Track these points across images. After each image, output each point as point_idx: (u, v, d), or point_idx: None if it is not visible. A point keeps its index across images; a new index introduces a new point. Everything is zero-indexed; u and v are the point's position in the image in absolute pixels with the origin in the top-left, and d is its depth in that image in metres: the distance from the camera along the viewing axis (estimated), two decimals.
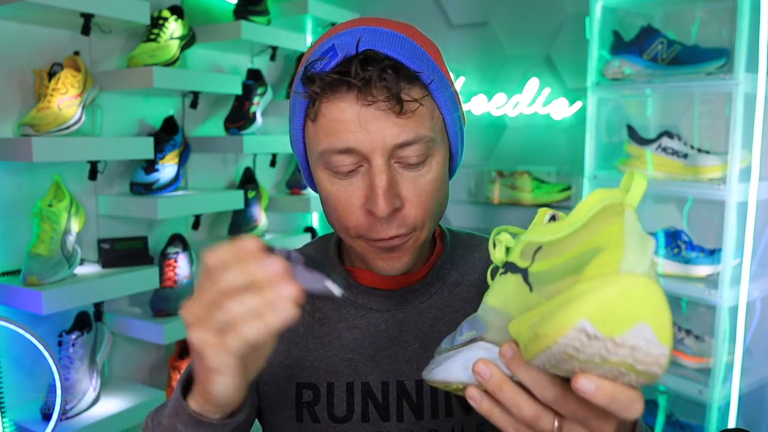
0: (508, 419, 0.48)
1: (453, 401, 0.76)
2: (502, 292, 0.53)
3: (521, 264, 0.51)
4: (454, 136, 0.71)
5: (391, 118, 0.63)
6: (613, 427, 0.46)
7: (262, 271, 0.47)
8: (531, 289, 0.48)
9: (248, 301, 0.47)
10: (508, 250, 0.55)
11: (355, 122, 0.63)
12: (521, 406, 0.46)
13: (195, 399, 0.57)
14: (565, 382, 0.45)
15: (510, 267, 0.53)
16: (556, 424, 0.46)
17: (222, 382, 0.51)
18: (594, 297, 0.37)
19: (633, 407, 0.42)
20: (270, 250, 0.50)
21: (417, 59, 0.65)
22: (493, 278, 0.57)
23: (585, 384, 0.40)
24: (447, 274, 0.80)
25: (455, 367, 0.53)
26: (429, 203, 0.68)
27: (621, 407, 0.41)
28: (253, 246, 0.49)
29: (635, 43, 1.78)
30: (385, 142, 0.63)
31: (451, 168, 0.75)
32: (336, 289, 0.51)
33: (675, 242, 1.76)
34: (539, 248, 0.49)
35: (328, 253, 0.82)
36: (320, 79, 0.63)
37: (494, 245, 0.57)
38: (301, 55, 2.25)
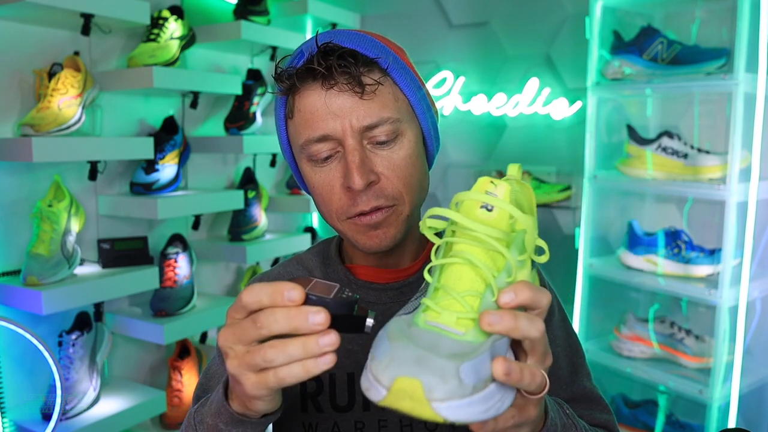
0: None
1: None
2: None
3: None
4: (422, 116, 0.76)
5: (355, 100, 0.69)
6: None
7: (305, 324, 0.51)
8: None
9: (292, 352, 0.51)
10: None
11: (324, 109, 0.70)
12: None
13: (235, 403, 0.60)
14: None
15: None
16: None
17: (261, 404, 0.57)
18: None
19: None
20: (308, 296, 0.53)
21: (373, 48, 0.72)
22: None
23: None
24: None
25: (477, 408, 0.47)
26: (405, 177, 0.73)
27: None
28: (297, 295, 0.52)
29: (635, 43, 1.78)
30: (353, 124, 0.70)
31: (429, 150, 0.79)
32: (370, 323, 0.56)
33: (675, 242, 1.76)
34: None
35: (329, 253, 0.86)
36: (288, 75, 0.71)
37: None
38: None
